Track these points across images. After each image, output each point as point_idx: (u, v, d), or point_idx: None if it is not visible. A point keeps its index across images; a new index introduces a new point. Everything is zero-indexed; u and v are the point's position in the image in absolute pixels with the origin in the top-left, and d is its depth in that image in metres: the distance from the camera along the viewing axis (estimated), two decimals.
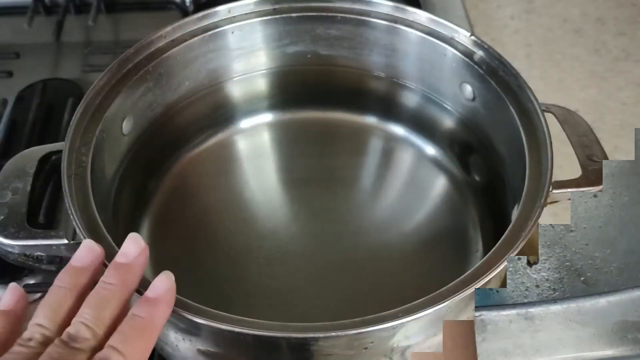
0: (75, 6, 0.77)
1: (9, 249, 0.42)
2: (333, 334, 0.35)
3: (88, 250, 0.36)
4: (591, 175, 0.44)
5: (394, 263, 0.50)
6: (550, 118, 0.45)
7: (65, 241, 0.41)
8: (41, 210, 0.56)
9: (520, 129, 0.45)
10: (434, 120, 0.56)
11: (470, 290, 0.36)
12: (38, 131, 0.64)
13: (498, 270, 0.37)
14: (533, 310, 0.44)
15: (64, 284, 0.34)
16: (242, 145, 0.58)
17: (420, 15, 0.52)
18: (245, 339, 0.38)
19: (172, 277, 0.36)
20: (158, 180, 0.54)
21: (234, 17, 0.53)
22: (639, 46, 0.97)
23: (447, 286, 0.37)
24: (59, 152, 0.44)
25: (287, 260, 0.50)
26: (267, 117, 0.59)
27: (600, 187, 0.43)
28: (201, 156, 0.56)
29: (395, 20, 0.53)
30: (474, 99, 0.51)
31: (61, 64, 0.72)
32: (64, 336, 0.31)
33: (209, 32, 0.52)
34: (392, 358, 0.39)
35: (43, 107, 0.66)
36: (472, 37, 0.50)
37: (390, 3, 0.52)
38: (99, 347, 0.32)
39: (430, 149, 0.56)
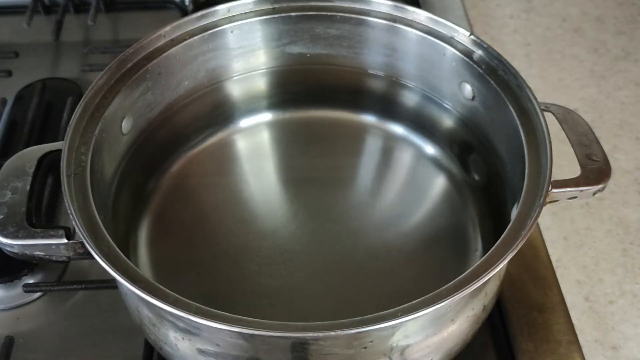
0: (74, 5, 0.77)
1: (8, 249, 0.42)
2: (332, 333, 0.35)
3: None
4: (590, 174, 0.44)
5: (394, 262, 0.50)
6: (549, 117, 0.45)
7: (65, 240, 0.41)
8: (41, 210, 0.56)
9: (520, 128, 0.45)
10: (433, 119, 0.56)
11: (469, 289, 0.36)
12: (37, 130, 0.64)
13: (497, 269, 0.37)
14: None
15: None
16: (242, 144, 0.58)
17: (419, 15, 0.52)
18: (245, 339, 0.38)
19: None
20: (157, 180, 0.54)
21: (233, 16, 0.53)
22: (638, 45, 0.97)
23: (447, 285, 0.37)
24: (59, 151, 0.44)
25: (287, 260, 0.50)
26: (267, 116, 0.59)
27: (600, 186, 0.43)
28: (200, 155, 0.56)
29: (394, 19, 0.53)
30: (473, 98, 0.51)
31: (60, 64, 0.72)
32: None
33: (208, 32, 0.52)
34: (391, 357, 0.39)
35: (42, 107, 0.66)
36: (472, 37, 0.50)
37: (390, 2, 0.52)
38: None
39: (430, 149, 0.56)
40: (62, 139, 0.44)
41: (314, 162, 0.57)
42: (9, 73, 0.70)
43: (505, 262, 0.38)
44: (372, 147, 0.58)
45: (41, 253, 0.42)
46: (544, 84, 0.93)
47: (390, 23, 0.53)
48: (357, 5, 0.53)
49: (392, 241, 0.51)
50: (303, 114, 0.59)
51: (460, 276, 0.37)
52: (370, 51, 0.55)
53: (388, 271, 0.49)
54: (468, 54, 0.50)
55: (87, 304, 0.52)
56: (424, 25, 0.52)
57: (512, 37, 0.99)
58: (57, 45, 0.74)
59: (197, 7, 0.75)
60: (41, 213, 0.56)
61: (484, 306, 0.43)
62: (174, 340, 0.41)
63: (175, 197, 0.54)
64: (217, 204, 0.54)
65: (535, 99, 0.46)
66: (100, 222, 0.40)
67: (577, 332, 0.50)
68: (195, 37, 0.52)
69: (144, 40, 0.50)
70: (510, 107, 0.46)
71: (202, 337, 0.39)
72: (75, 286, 0.53)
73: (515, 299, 0.52)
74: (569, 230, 0.77)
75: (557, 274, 0.54)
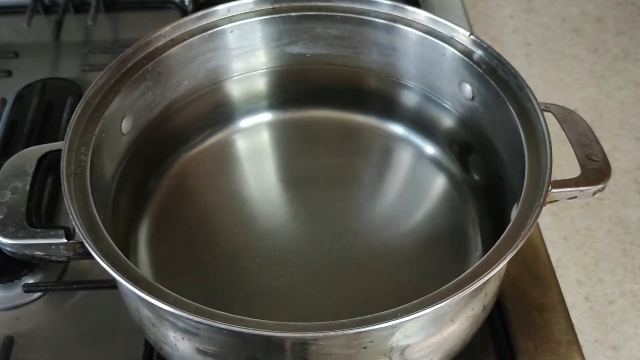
0: (74, 5, 0.77)
1: (8, 249, 0.42)
2: (332, 333, 0.35)
3: None
4: (590, 174, 0.44)
5: (394, 262, 0.50)
6: (549, 117, 0.45)
7: (65, 240, 0.41)
8: (41, 210, 0.56)
9: (520, 128, 0.45)
10: (433, 119, 0.56)
11: (469, 289, 0.36)
12: (37, 130, 0.64)
13: (497, 269, 0.37)
14: None
15: None
16: (242, 144, 0.58)
17: (419, 15, 0.52)
18: (244, 339, 0.38)
19: None
20: (157, 180, 0.54)
21: (233, 16, 0.53)
22: (638, 45, 0.97)
23: (447, 285, 0.37)
24: (59, 151, 0.44)
25: (287, 260, 0.50)
26: (267, 116, 0.59)
27: (600, 186, 0.43)
28: (200, 155, 0.56)
29: (394, 19, 0.53)
30: (473, 98, 0.51)
31: (60, 64, 0.72)
32: None
33: (208, 32, 0.52)
34: (391, 357, 0.39)
35: (42, 107, 0.66)
36: (472, 37, 0.50)
37: (390, 2, 0.52)
38: None
39: (430, 148, 0.56)
40: (62, 139, 0.44)
41: (314, 162, 0.57)
42: (9, 73, 0.70)
43: (505, 262, 0.38)
44: (372, 147, 0.58)
45: (41, 253, 0.42)
46: (544, 84, 0.92)
47: (390, 23, 0.53)
48: (357, 5, 0.53)
49: (392, 241, 0.51)
50: (303, 114, 0.59)
51: (460, 276, 0.37)
52: (371, 51, 0.55)
53: (388, 271, 0.49)
54: (468, 54, 0.50)
55: (87, 304, 0.52)
56: (423, 25, 0.52)
57: (512, 37, 0.99)
58: (57, 45, 0.74)
59: (197, 7, 0.75)
60: (41, 213, 0.56)
61: (484, 306, 0.43)
62: (174, 340, 0.41)
63: (175, 197, 0.54)
64: (217, 204, 0.54)
65: (535, 99, 0.46)
66: (100, 222, 0.40)
67: (577, 332, 0.50)
68: (195, 37, 0.52)
69: (143, 40, 0.50)
70: (510, 107, 0.46)
71: (202, 337, 0.39)
72: (75, 286, 0.53)
73: (515, 299, 0.52)
74: (569, 230, 0.77)
75: (557, 274, 0.54)
